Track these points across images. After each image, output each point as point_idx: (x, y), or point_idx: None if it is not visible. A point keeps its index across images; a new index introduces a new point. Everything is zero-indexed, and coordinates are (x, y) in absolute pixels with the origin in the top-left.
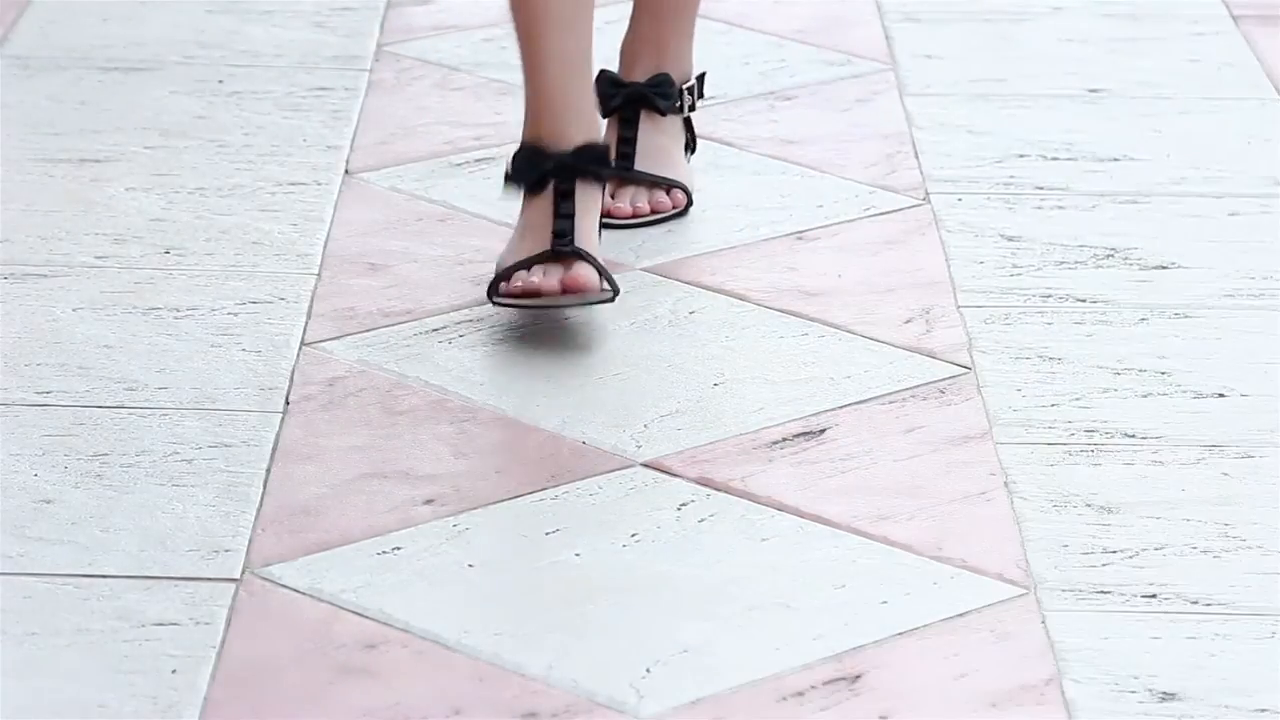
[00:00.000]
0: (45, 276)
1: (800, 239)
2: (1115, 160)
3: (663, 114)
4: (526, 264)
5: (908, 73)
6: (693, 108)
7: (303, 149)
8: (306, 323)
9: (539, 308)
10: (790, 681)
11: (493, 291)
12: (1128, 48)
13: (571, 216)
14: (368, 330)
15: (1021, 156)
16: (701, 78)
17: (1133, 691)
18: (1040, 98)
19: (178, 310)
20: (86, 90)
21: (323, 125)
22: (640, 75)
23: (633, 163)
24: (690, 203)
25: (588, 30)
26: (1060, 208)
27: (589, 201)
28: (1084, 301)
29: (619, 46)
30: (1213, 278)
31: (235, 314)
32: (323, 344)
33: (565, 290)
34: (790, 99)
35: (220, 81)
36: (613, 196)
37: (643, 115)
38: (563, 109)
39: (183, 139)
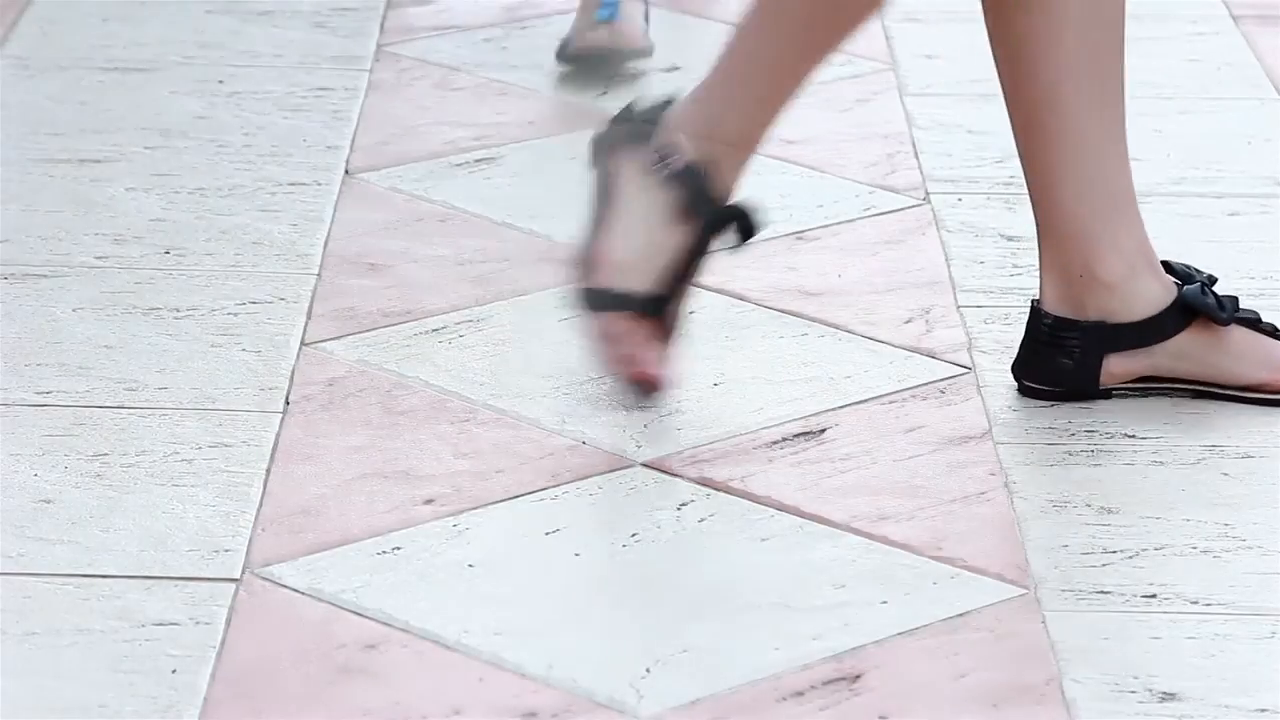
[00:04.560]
0: (45, 276)
1: (800, 239)
2: None
3: None
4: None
5: (908, 73)
6: None
7: (303, 149)
8: (306, 323)
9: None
10: (790, 681)
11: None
12: (1128, 48)
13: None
14: (368, 330)
15: None
16: None
17: (1133, 691)
18: None
19: (178, 310)
20: (86, 90)
21: (323, 125)
22: None
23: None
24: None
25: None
26: None
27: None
28: None
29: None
30: None
31: (235, 314)
32: (323, 344)
33: None
34: None
35: (220, 81)
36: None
37: None
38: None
39: (183, 139)
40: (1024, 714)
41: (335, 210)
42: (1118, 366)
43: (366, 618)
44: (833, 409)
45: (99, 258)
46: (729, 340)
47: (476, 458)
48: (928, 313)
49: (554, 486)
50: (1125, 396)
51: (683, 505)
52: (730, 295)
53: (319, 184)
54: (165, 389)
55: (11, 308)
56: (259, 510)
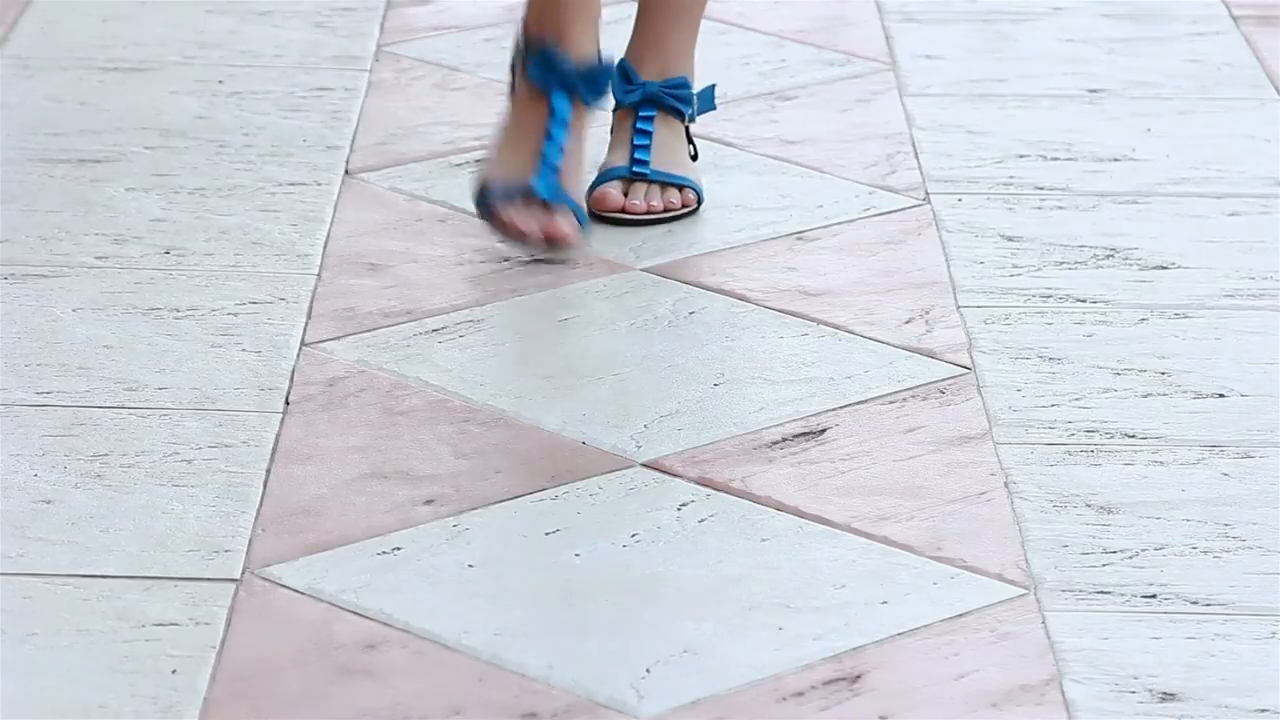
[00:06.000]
0: (45, 276)
1: (800, 239)
2: (1115, 160)
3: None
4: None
5: (908, 73)
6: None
7: (303, 149)
8: (306, 323)
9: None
10: (790, 681)
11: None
12: (1128, 48)
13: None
14: (368, 330)
15: (1021, 156)
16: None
17: (1133, 691)
18: (1040, 98)
19: (178, 310)
20: (86, 90)
21: (323, 125)
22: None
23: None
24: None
25: None
26: (1060, 208)
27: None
28: (1084, 301)
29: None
30: (1213, 278)
31: (235, 314)
32: (323, 344)
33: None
34: (790, 99)
35: (220, 81)
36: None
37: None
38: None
39: (183, 139)
40: (1024, 714)
41: (335, 210)
42: None
43: (366, 618)
44: (833, 409)
45: (99, 258)
46: (729, 340)
47: (476, 458)
48: (928, 313)
49: (554, 487)
50: (1125, 396)
51: (683, 505)
52: (730, 295)
53: (319, 184)
54: (165, 389)
55: (11, 308)
56: (259, 510)
